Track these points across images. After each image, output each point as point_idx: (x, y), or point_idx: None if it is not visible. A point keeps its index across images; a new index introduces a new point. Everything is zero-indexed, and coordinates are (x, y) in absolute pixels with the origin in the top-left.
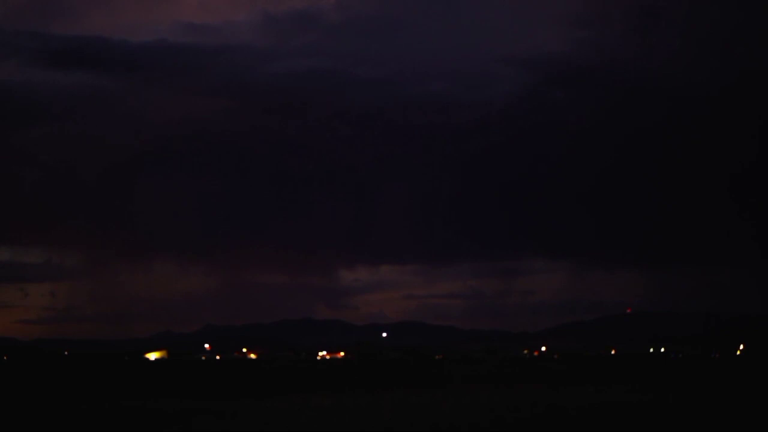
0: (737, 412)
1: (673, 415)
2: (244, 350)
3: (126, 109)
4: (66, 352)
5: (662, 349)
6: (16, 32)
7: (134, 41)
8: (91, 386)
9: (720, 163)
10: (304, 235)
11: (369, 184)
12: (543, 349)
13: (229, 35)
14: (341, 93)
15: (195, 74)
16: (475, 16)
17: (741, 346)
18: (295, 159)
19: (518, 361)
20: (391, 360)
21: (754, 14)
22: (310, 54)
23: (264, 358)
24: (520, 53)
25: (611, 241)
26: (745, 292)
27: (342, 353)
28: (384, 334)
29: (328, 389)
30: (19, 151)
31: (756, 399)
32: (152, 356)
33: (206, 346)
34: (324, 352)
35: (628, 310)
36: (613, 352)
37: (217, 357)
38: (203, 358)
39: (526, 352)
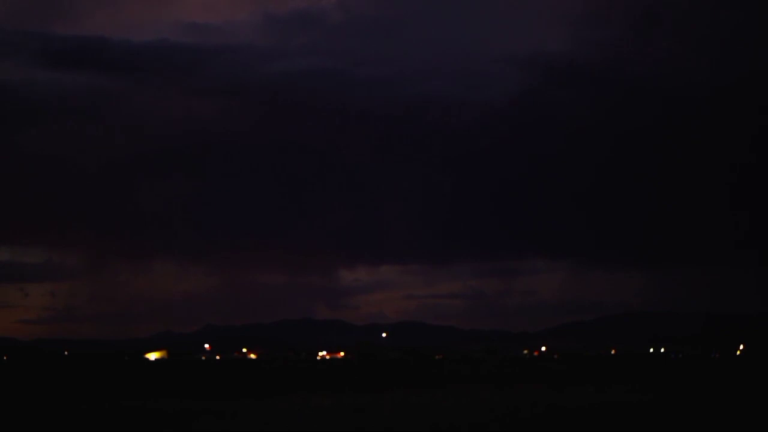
0: (737, 412)
1: (673, 415)
2: (244, 350)
3: (126, 109)
4: (66, 352)
5: (662, 349)
6: (17, 32)
7: (135, 41)
8: (91, 386)
9: (720, 163)
10: (304, 235)
11: (369, 184)
12: (543, 349)
13: (230, 35)
14: (342, 93)
15: (195, 74)
16: (476, 16)
17: (741, 346)
18: (296, 159)
19: (518, 361)
20: (391, 360)
21: (753, 14)
22: (311, 54)
23: (264, 358)
24: (521, 53)
25: (611, 241)
26: (745, 292)
27: (342, 353)
28: (384, 334)
29: (328, 389)
30: (20, 151)
31: (756, 399)
32: (152, 356)
33: (206, 346)
34: (324, 352)
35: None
36: (613, 352)
37: (217, 357)
38: (203, 358)
39: (526, 352)
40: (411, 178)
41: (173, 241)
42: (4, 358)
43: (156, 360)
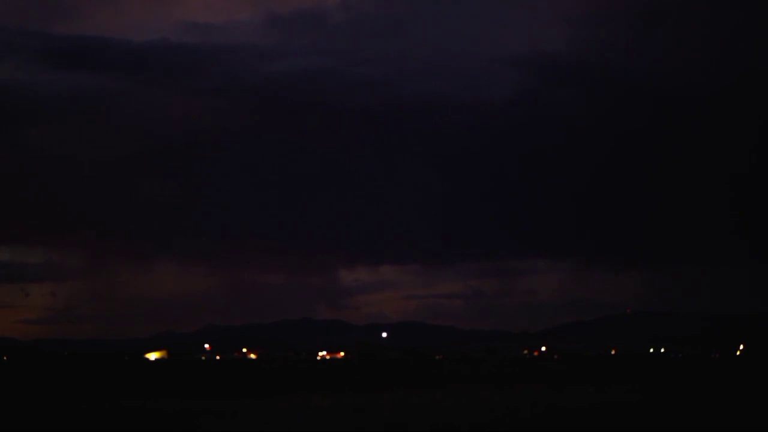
0: (737, 412)
1: (673, 415)
2: (244, 350)
3: (126, 109)
4: (66, 352)
5: (662, 349)
6: (18, 32)
7: (136, 41)
8: (91, 386)
9: (720, 163)
10: (304, 235)
11: (369, 184)
12: (543, 349)
13: (231, 35)
14: (342, 92)
15: (196, 74)
16: (476, 16)
17: (741, 346)
18: (296, 159)
19: (518, 361)
20: (391, 360)
21: (753, 14)
22: (312, 53)
23: (264, 358)
24: (521, 53)
25: (611, 241)
26: (745, 292)
27: (342, 353)
28: (384, 334)
29: (328, 389)
30: (20, 150)
31: (756, 399)
32: (152, 356)
33: (206, 346)
34: (324, 352)
35: (628, 310)
36: (613, 352)
37: (217, 357)
38: (203, 358)
39: (526, 352)
40: (411, 178)
41: (173, 241)
42: (4, 358)
43: (156, 360)
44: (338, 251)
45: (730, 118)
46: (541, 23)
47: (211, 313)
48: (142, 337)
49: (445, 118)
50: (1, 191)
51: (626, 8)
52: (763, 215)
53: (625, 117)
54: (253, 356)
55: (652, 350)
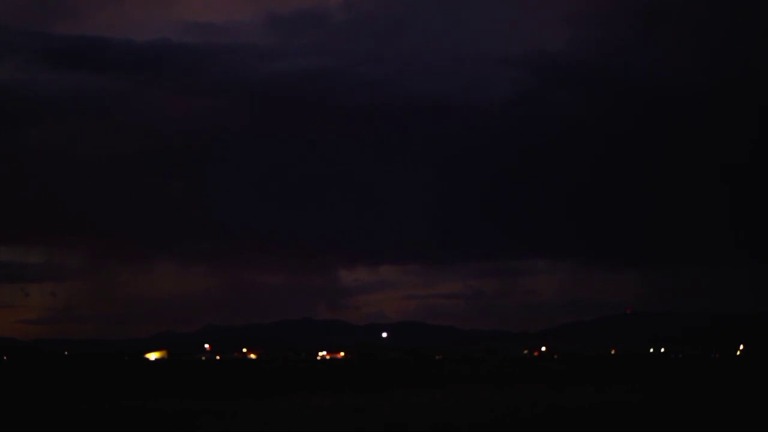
0: (737, 412)
1: (673, 415)
2: (244, 350)
3: (127, 109)
4: (66, 352)
5: (662, 349)
6: (18, 32)
7: (137, 41)
8: (91, 386)
9: (720, 163)
10: (304, 235)
11: (369, 184)
12: (543, 349)
13: (233, 34)
14: (343, 92)
15: (197, 74)
16: (476, 16)
17: (741, 346)
18: (296, 159)
19: (518, 361)
20: (391, 360)
21: (753, 14)
22: (313, 53)
23: (264, 358)
24: (521, 53)
25: (611, 241)
26: (745, 292)
27: (342, 353)
28: (384, 334)
29: (328, 389)
30: (20, 150)
31: (756, 399)
32: (152, 356)
33: (206, 346)
34: (324, 352)
35: (628, 310)
36: (613, 352)
37: (217, 357)
38: (203, 358)
39: (526, 352)
40: (411, 178)
41: (173, 241)
42: (4, 358)
43: (156, 360)
44: (338, 251)
45: (731, 118)
46: (542, 23)
47: (211, 313)
48: (142, 337)
49: (446, 118)
50: (1, 191)
51: (626, 8)
52: (763, 215)
53: (625, 117)
54: (253, 356)
55: (652, 350)
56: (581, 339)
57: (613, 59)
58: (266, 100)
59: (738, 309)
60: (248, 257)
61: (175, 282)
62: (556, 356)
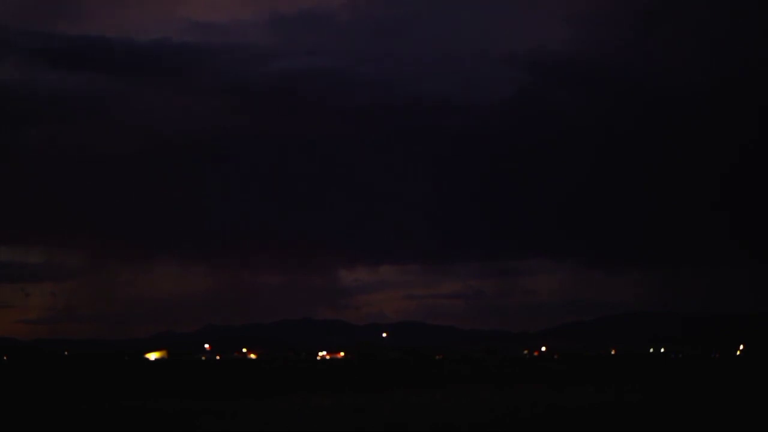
0: (737, 412)
1: (673, 415)
2: (244, 350)
3: (128, 108)
4: (66, 352)
5: (662, 349)
6: (18, 31)
7: (139, 40)
8: (91, 386)
9: (720, 163)
10: (304, 235)
11: (369, 184)
12: (543, 349)
13: (234, 34)
14: (343, 92)
15: (197, 73)
16: (477, 16)
17: (741, 346)
18: (297, 158)
19: (518, 361)
20: (391, 360)
21: (752, 14)
22: (314, 53)
23: (264, 358)
24: (520, 53)
25: (611, 241)
26: (745, 292)
27: (342, 353)
28: (384, 334)
29: (328, 389)
30: (20, 150)
31: (756, 399)
32: (152, 356)
33: (206, 346)
34: (324, 352)
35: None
36: (613, 352)
37: (217, 357)
38: (203, 358)
39: (526, 352)
40: (411, 178)
41: (173, 241)
42: (4, 358)
43: (156, 360)
44: (338, 251)
45: (731, 118)
46: (542, 23)
47: (211, 313)
48: (142, 337)
49: (446, 117)
50: (1, 191)
51: (626, 8)
52: (763, 215)
53: (625, 117)
54: (253, 356)
55: (652, 350)
56: (581, 339)
57: (613, 59)
58: (266, 99)
59: (738, 309)
60: (248, 257)
61: (175, 282)
62: (556, 356)
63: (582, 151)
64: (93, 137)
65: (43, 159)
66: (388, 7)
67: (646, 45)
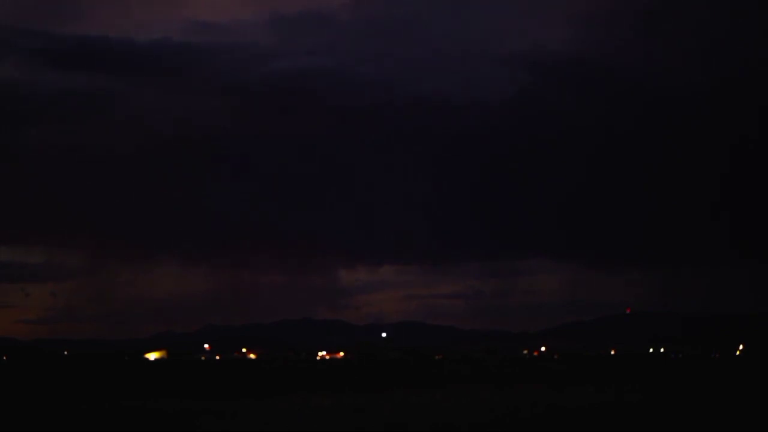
0: (737, 412)
1: (673, 415)
2: (244, 350)
3: (128, 108)
4: (66, 352)
5: (662, 349)
6: (19, 31)
7: (139, 40)
8: (91, 386)
9: (720, 163)
10: (304, 235)
11: (369, 184)
12: (543, 349)
13: (236, 34)
14: (343, 92)
15: (198, 73)
16: (477, 16)
17: (741, 346)
18: (296, 158)
19: (518, 361)
20: (391, 360)
21: (751, 14)
22: (315, 53)
23: (264, 358)
24: (521, 53)
25: (611, 241)
26: (745, 292)
27: (342, 353)
28: (384, 334)
29: (328, 389)
30: (20, 150)
31: (756, 399)
32: (152, 356)
33: (206, 346)
34: (324, 352)
35: (628, 311)
36: (613, 352)
37: (217, 357)
38: (203, 358)
39: (526, 352)
40: (412, 178)
41: (173, 241)
42: (4, 358)
43: (156, 360)
44: (338, 251)
45: (731, 118)
46: (542, 23)
47: (211, 313)
48: (142, 337)
49: (446, 117)
50: (1, 191)
51: (626, 8)
52: (763, 215)
53: (625, 117)
54: (253, 356)
55: (652, 350)
56: (581, 339)
57: (613, 59)
58: (266, 99)
59: (738, 309)
60: (248, 257)
61: (175, 282)
62: (556, 356)
63: (582, 151)
64: (93, 137)
65: (43, 159)
66: (388, 7)
67: (646, 45)
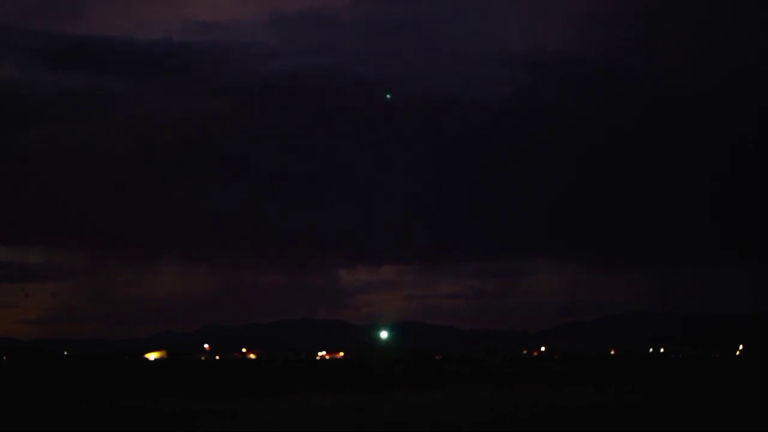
0: (737, 412)
1: (673, 415)
2: (244, 350)
3: (128, 108)
4: (66, 352)
5: (662, 349)
6: (19, 31)
7: (140, 40)
8: (91, 386)
9: (721, 163)
10: (304, 235)
11: (369, 184)
12: (543, 349)
13: (237, 33)
14: (343, 92)
15: (198, 73)
16: (477, 16)
17: (741, 346)
18: (296, 158)
19: (518, 361)
20: (391, 360)
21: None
22: (315, 52)
23: (264, 358)
24: (522, 52)
25: (612, 241)
26: (745, 292)
27: (342, 353)
28: (384, 334)
29: (328, 389)
30: (20, 150)
31: (756, 399)
32: (152, 356)
33: (206, 346)
34: (324, 352)
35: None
36: (613, 352)
37: (217, 357)
38: (203, 358)
39: (526, 352)
40: (411, 178)
41: (173, 241)
42: (4, 358)
43: (156, 360)
44: (338, 251)
45: (731, 118)
46: (542, 23)
47: (211, 313)
48: (142, 337)
49: (446, 117)
50: (2, 191)
51: (626, 8)
52: (763, 215)
53: (626, 117)
54: (253, 356)
55: (652, 350)
56: (581, 339)
57: (613, 59)
58: (267, 99)
59: (738, 309)
60: (248, 257)
61: (175, 282)
62: (556, 356)
63: (582, 151)
64: (93, 137)
65: (43, 159)
66: (389, 7)
67: (646, 45)
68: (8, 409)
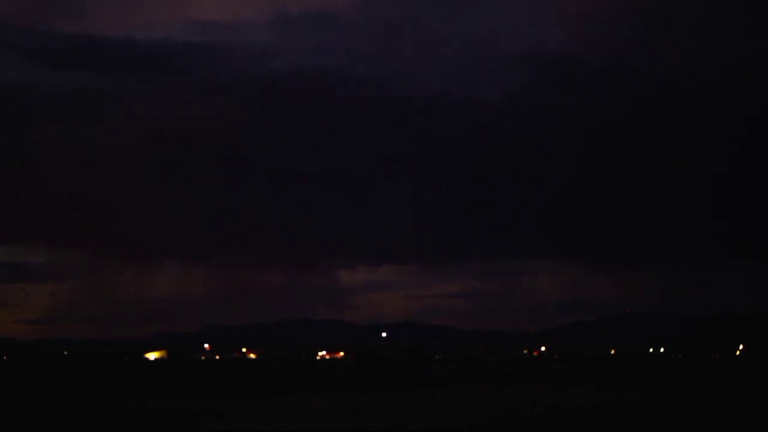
0: (737, 412)
1: (673, 415)
2: (244, 350)
3: (128, 108)
4: (66, 352)
5: (662, 349)
6: (20, 30)
7: (141, 39)
8: (91, 386)
9: (721, 163)
10: (304, 235)
11: (369, 184)
12: (543, 349)
13: (238, 33)
14: (344, 91)
15: (199, 73)
16: (477, 16)
17: (741, 346)
18: (296, 158)
19: (518, 361)
20: (391, 360)
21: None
22: (315, 52)
23: (264, 358)
24: (522, 53)
25: (611, 241)
26: (745, 292)
27: (342, 353)
28: (384, 334)
29: (328, 389)
30: (20, 151)
31: (756, 399)
32: (152, 356)
33: (206, 346)
34: (324, 352)
35: (628, 310)
36: (613, 352)
37: (217, 357)
38: (203, 358)
39: (526, 352)
40: (411, 178)
41: (174, 242)
42: (4, 358)
43: (156, 360)
44: (338, 251)
45: (731, 118)
46: (542, 22)
47: (211, 313)
48: (142, 337)
49: (446, 117)
50: (2, 191)
51: (627, 8)
52: (763, 215)
53: (626, 117)
54: (253, 356)
55: (652, 350)
56: (581, 339)
57: (613, 59)
58: (267, 99)
59: (738, 309)
60: (248, 257)
61: (175, 282)
62: (556, 356)
63: (582, 151)
64: (93, 137)
65: (43, 159)
66: (390, 7)
67: (646, 45)
68: (8, 409)
